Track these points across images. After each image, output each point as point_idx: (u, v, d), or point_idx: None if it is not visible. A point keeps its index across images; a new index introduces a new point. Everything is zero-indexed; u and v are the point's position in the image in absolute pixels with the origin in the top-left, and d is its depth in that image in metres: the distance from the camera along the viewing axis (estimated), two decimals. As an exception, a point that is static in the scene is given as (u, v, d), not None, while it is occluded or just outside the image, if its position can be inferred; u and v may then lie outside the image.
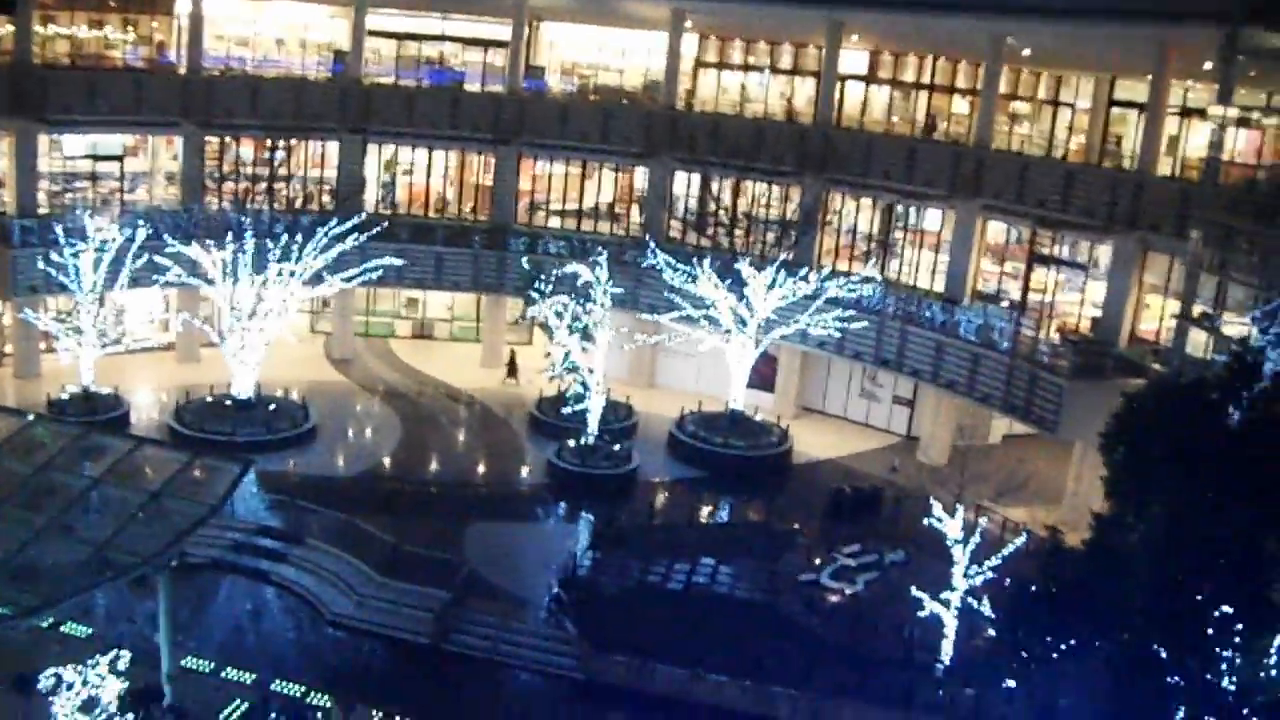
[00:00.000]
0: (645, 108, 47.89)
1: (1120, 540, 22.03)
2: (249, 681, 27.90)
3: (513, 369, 47.42)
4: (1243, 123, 37.27)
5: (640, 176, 48.15)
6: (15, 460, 27.51)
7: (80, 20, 45.28)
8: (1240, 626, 20.40)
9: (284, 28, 49.13)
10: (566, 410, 40.41)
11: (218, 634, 30.12)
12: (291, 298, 40.52)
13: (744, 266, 40.14)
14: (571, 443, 39.73)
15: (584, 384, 39.37)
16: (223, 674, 28.12)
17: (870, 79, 45.89)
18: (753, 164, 43.14)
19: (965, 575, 28.69)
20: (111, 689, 24.99)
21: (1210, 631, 20.51)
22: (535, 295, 39.86)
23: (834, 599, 33.05)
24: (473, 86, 49.18)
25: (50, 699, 24.43)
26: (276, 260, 39.39)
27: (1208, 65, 35.42)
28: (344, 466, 39.67)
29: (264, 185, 43.61)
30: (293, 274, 39.83)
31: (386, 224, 44.70)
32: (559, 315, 39.23)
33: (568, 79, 50.33)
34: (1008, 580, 27.54)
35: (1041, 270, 41.55)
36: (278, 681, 27.86)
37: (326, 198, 47.10)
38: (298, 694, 27.57)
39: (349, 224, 41.39)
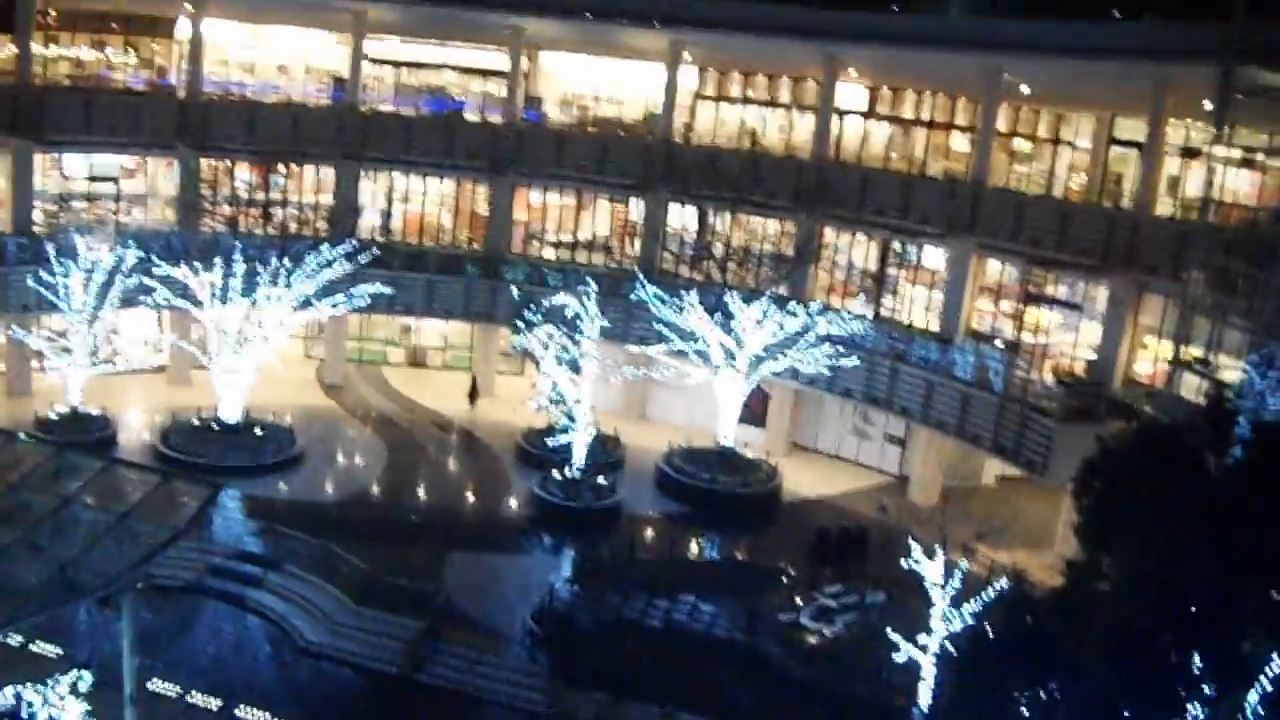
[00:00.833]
0: (642, 140, 47.76)
1: (1088, 588, 21.54)
2: (214, 707, 27.56)
3: (474, 395, 47.47)
4: (1245, 163, 36.77)
5: (636, 208, 47.94)
6: (-19, 485, 27.49)
7: (81, 41, 45.56)
8: (1208, 680, 19.91)
9: (285, 53, 49.31)
10: (551, 442, 40.15)
11: (188, 658, 29.75)
12: (280, 323, 40.36)
13: (733, 300, 39.83)
14: (556, 474, 39.40)
15: (570, 416, 39.10)
16: (188, 698, 27.78)
17: (868, 114, 45.75)
18: (747, 197, 42.84)
19: (944, 619, 28.22)
20: (73, 711, 24.87)
21: (1178, 685, 20.03)
22: (522, 325, 39.60)
23: (813, 640, 32.52)
24: (472, 116, 49.17)
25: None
26: (266, 284, 39.31)
27: (1207, 105, 35.11)
28: (327, 493, 39.53)
29: (259, 209, 43.63)
30: (281, 299, 39.72)
31: (378, 251, 44.48)
32: (545, 346, 38.99)
33: (566, 110, 50.23)
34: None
35: (1036, 310, 41.16)
36: (243, 707, 27.48)
37: (321, 223, 47.02)
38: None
39: (340, 250, 41.28)
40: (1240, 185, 36.82)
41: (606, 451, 42.34)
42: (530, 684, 29.90)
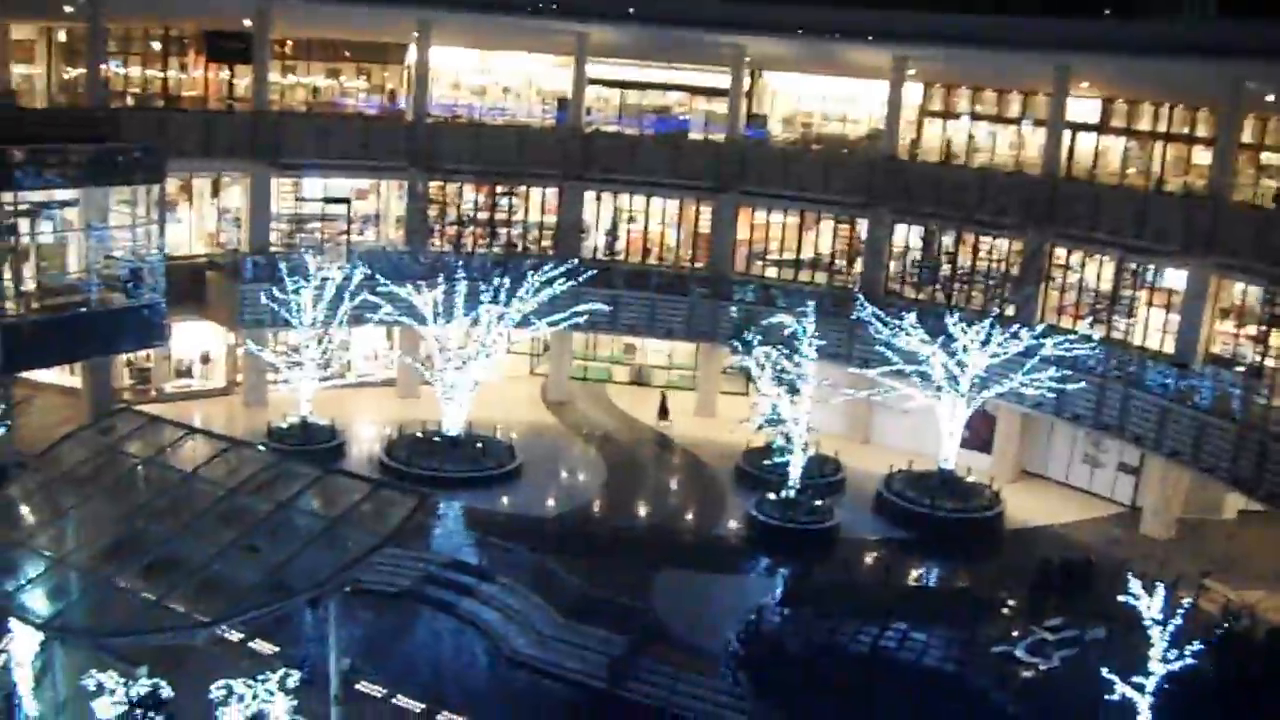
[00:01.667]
0: (865, 157, 47.00)
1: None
2: (418, 710, 28.20)
3: (664, 411, 47.42)
4: None
5: (862, 228, 47.19)
6: (210, 483, 28.95)
7: (316, 69, 47.87)
8: None
9: (511, 76, 50.69)
10: (767, 463, 39.82)
11: (397, 661, 30.53)
12: (500, 339, 41.34)
13: (953, 322, 38.72)
14: (772, 495, 38.98)
15: (787, 436, 38.68)
16: (394, 700, 28.51)
17: (1102, 128, 43.84)
18: (974, 216, 41.58)
19: (1163, 659, 26.60)
20: (280, 706, 25.91)
21: None
22: (740, 345, 39.43)
23: (1027, 674, 31.16)
24: (696, 135, 49.40)
25: (220, 709, 25.57)
26: (489, 302, 40.33)
27: None
28: (544, 506, 39.99)
29: (484, 229, 44.83)
30: (502, 316, 40.68)
31: (601, 270, 45.20)
32: (761, 366, 38.71)
33: (790, 128, 49.91)
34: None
35: (1282, 333, 38.57)
36: (445, 713, 28.04)
37: (546, 242, 48.04)
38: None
39: (561, 269, 42.05)
40: None
41: (825, 474, 41.68)
42: (731, 705, 29.46)
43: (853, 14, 43.95)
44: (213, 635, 26.43)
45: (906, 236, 46.04)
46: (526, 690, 30.21)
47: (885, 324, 40.25)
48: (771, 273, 48.60)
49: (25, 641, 26.29)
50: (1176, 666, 26.10)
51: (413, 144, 46.12)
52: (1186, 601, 26.47)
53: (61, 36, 47.80)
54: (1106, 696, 26.87)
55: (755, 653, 31.21)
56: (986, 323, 38.52)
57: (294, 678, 25.98)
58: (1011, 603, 35.14)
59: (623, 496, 41.41)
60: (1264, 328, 38.53)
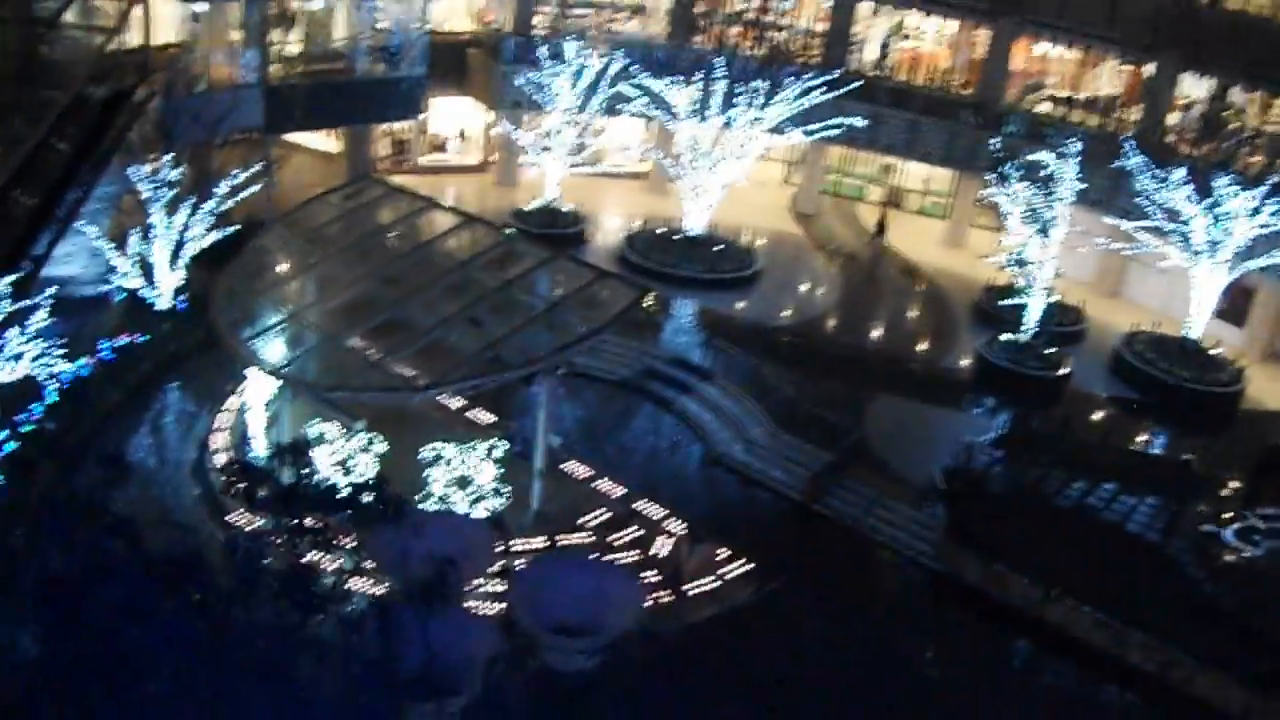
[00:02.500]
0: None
1: None
2: (616, 495, 29.17)
3: (881, 229, 46.61)
4: None
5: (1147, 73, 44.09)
6: (443, 254, 30.20)
7: None
8: None
9: None
10: (1005, 303, 38.73)
11: (606, 447, 31.71)
12: (752, 143, 40.90)
13: (1224, 184, 36.24)
14: (1005, 336, 38.03)
15: (1029, 278, 37.44)
16: (594, 483, 29.61)
17: None
18: (1267, 74, 38.41)
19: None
20: (487, 473, 27.28)
21: None
22: (997, 177, 38.00)
23: (1229, 557, 29.95)
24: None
25: (428, 470, 27.15)
26: (744, 105, 39.84)
27: None
28: (773, 315, 40.24)
29: (752, 30, 43.92)
30: (757, 120, 40.19)
31: (865, 84, 43.92)
32: (1015, 202, 37.28)
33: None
34: None
35: None
36: (645, 500, 28.94)
37: (814, 51, 46.84)
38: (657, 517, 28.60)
39: (823, 79, 41.06)
40: None
41: (1064, 322, 40.32)
42: (923, 535, 29.61)
43: None
44: (431, 399, 28.11)
45: (1193, 87, 42.92)
46: (725, 490, 31.05)
47: (1152, 177, 38.04)
48: (1044, 109, 46.25)
49: (259, 387, 28.39)
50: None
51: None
52: None
53: None
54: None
55: (957, 488, 31.01)
56: (1261, 190, 35.93)
57: (502, 449, 27.38)
58: (1230, 484, 33.64)
59: (853, 316, 41.25)
60: None
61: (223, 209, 34.12)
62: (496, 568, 24.47)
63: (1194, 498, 32.47)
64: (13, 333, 26.66)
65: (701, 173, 40.97)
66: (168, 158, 33.62)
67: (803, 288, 43.06)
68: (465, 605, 22.77)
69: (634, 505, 28.88)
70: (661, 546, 27.57)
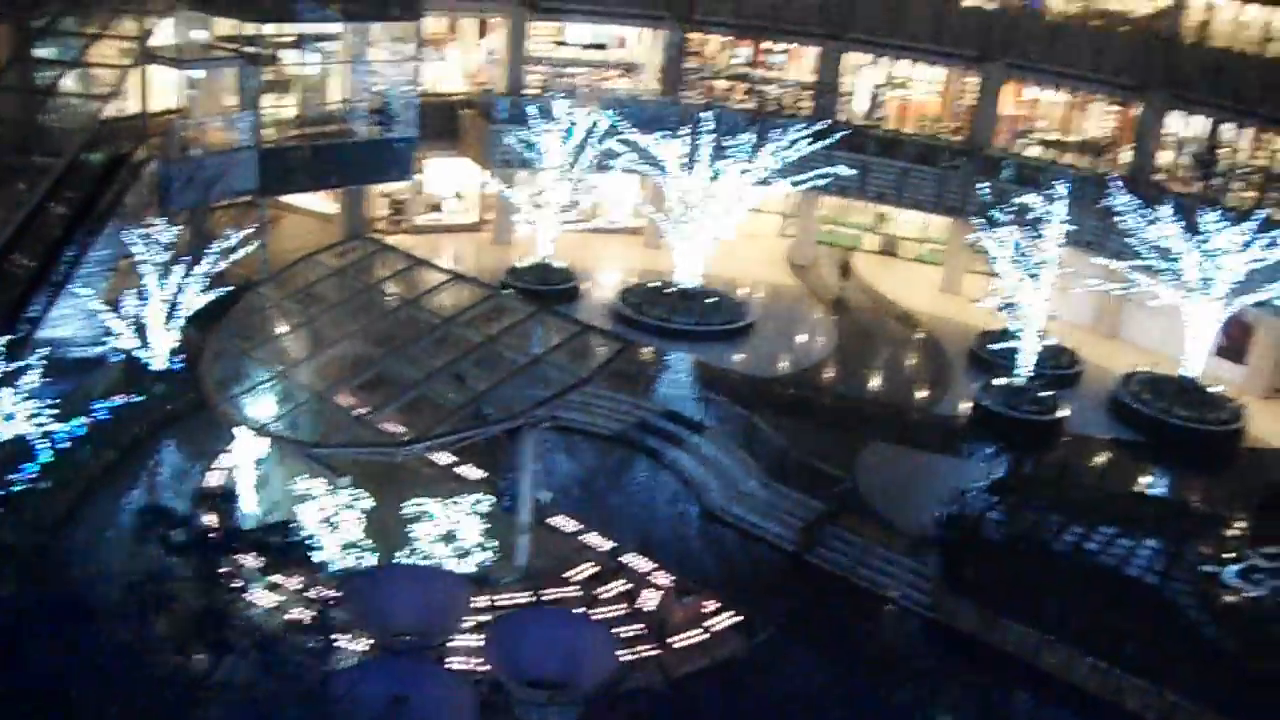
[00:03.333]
0: (1144, 37, 43.67)
1: None
2: (604, 549, 29.10)
3: (845, 272, 46.81)
4: None
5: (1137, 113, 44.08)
6: (429, 311, 30.44)
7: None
8: None
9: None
10: (996, 347, 38.66)
11: (594, 501, 31.69)
12: (741, 196, 41.10)
13: (1213, 220, 36.17)
14: (999, 381, 37.87)
15: (1021, 322, 37.36)
16: (582, 536, 29.53)
17: None
18: (1255, 110, 38.48)
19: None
20: (471, 528, 27.28)
21: None
22: (985, 221, 38.04)
23: (1230, 598, 29.61)
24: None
25: (413, 526, 27.16)
26: (732, 158, 40.08)
27: None
28: (767, 367, 40.16)
29: (740, 84, 44.35)
30: (745, 172, 40.40)
31: (853, 134, 44.17)
32: (1003, 245, 37.27)
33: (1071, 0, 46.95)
34: None
35: None
36: (632, 554, 28.84)
37: (803, 102, 47.18)
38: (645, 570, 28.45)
39: (811, 129, 41.31)
40: None
41: (1060, 365, 40.15)
42: (915, 583, 29.35)
43: None
44: (418, 455, 28.22)
45: (1183, 125, 42.98)
46: (716, 542, 30.91)
47: (1141, 215, 38.00)
48: (1034, 152, 46.39)
49: (247, 446, 28.50)
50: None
51: (674, -6, 45.95)
52: None
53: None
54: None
55: (951, 536, 30.77)
56: (1251, 224, 35.86)
57: (487, 504, 27.41)
58: (1232, 524, 33.27)
59: (848, 365, 41.07)
60: None
61: (217, 270, 34.49)
62: (471, 622, 24.37)
63: (1194, 538, 32.03)
64: (6, 392, 27.04)
65: (692, 226, 41.07)
66: (162, 220, 34.11)
67: (797, 338, 42.98)
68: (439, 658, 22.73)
69: (622, 559, 28.78)
70: (648, 600, 27.43)
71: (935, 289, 47.30)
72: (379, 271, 32.30)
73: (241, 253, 35.40)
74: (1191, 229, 36.79)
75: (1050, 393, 37.72)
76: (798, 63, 48.44)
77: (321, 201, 46.79)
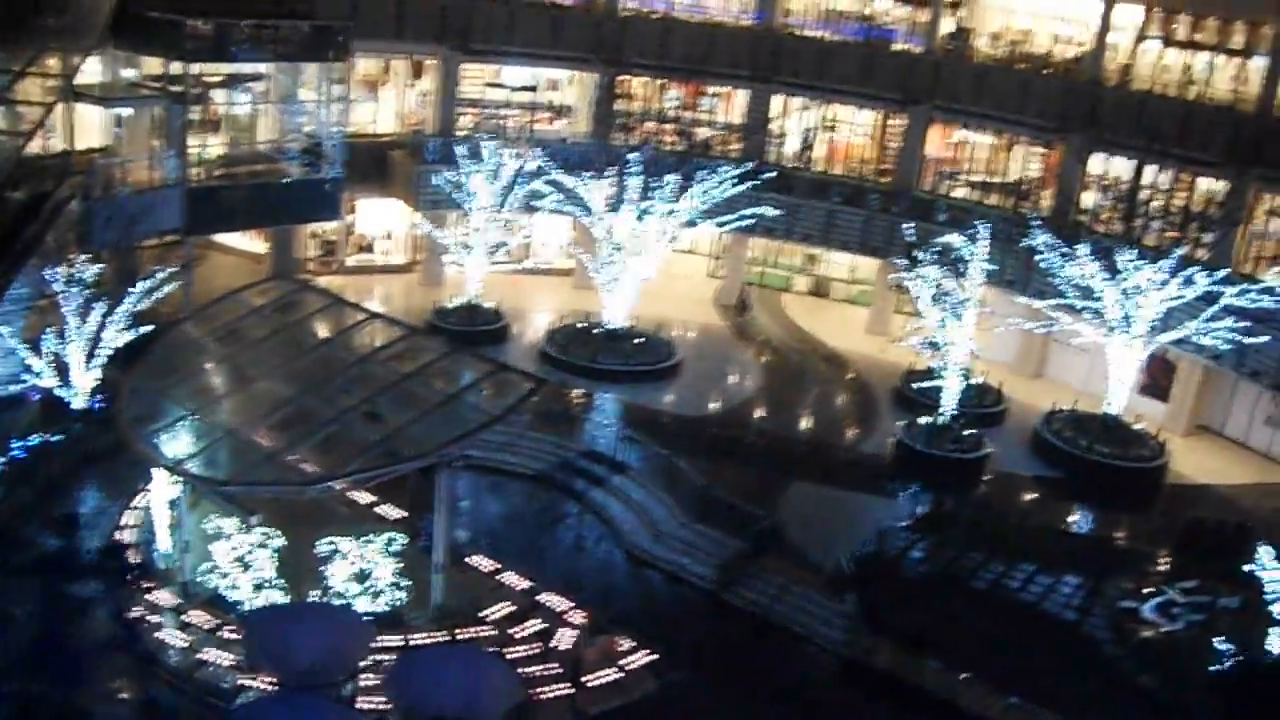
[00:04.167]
0: (1067, 80, 44.36)
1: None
2: (521, 588, 28.84)
3: (743, 306, 47.33)
4: None
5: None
6: (343, 350, 30.36)
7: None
8: None
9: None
10: (919, 386, 38.96)
11: (513, 540, 31.48)
12: (666, 237, 41.37)
13: (1129, 259, 36.70)
14: (922, 420, 38.13)
15: (943, 361, 37.65)
16: (499, 575, 29.25)
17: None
18: (1172, 151, 39.13)
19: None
20: (384, 567, 27.14)
21: None
22: (905, 261, 38.40)
23: (1146, 633, 29.90)
24: (900, 46, 47.72)
25: (326, 565, 26.95)
26: (657, 199, 40.33)
27: None
28: (692, 406, 40.20)
29: (670, 126, 44.67)
30: (670, 213, 40.63)
31: (780, 175, 44.60)
32: (924, 285, 37.60)
33: (997, 44, 47.55)
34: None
35: None
36: (549, 594, 28.63)
37: (733, 145, 47.61)
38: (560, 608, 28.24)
39: (737, 171, 41.67)
40: None
41: (984, 404, 40.49)
42: (832, 621, 29.32)
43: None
44: (335, 494, 28.07)
45: (1105, 166, 43.57)
46: (634, 581, 30.84)
47: (1060, 254, 38.48)
48: (960, 193, 46.87)
49: (163, 484, 28.24)
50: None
51: (601, 36, 46.16)
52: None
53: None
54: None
55: (868, 574, 30.85)
56: (1166, 263, 36.38)
57: (400, 542, 27.26)
58: (1152, 559, 33.64)
59: (773, 405, 41.22)
60: None
61: (139, 309, 34.37)
62: (375, 660, 24.21)
63: (1114, 574, 32.36)
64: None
65: (617, 267, 41.25)
66: (84, 258, 33.91)
67: (724, 378, 43.08)
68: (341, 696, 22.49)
69: (539, 597, 28.55)
70: (563, 638, 27.27)
71: (862, 330, 47.63)
72: (298, 310, 32.12)
73: (165, 291, 35.27)
74: (1111, 268, 37.25)
75: (973, 431, 37.99)
76: (730, 105, 48.78)
77: (251, 241, 46.66)
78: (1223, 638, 28.14)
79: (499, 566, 29.63)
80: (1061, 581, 31.66)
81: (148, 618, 26.48)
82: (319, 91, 41.31)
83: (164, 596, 27.15)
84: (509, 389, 29.14)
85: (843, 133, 48.70)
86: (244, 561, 27.13)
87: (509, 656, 26.09)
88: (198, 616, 26.44)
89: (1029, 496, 37.10)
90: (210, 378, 30.00)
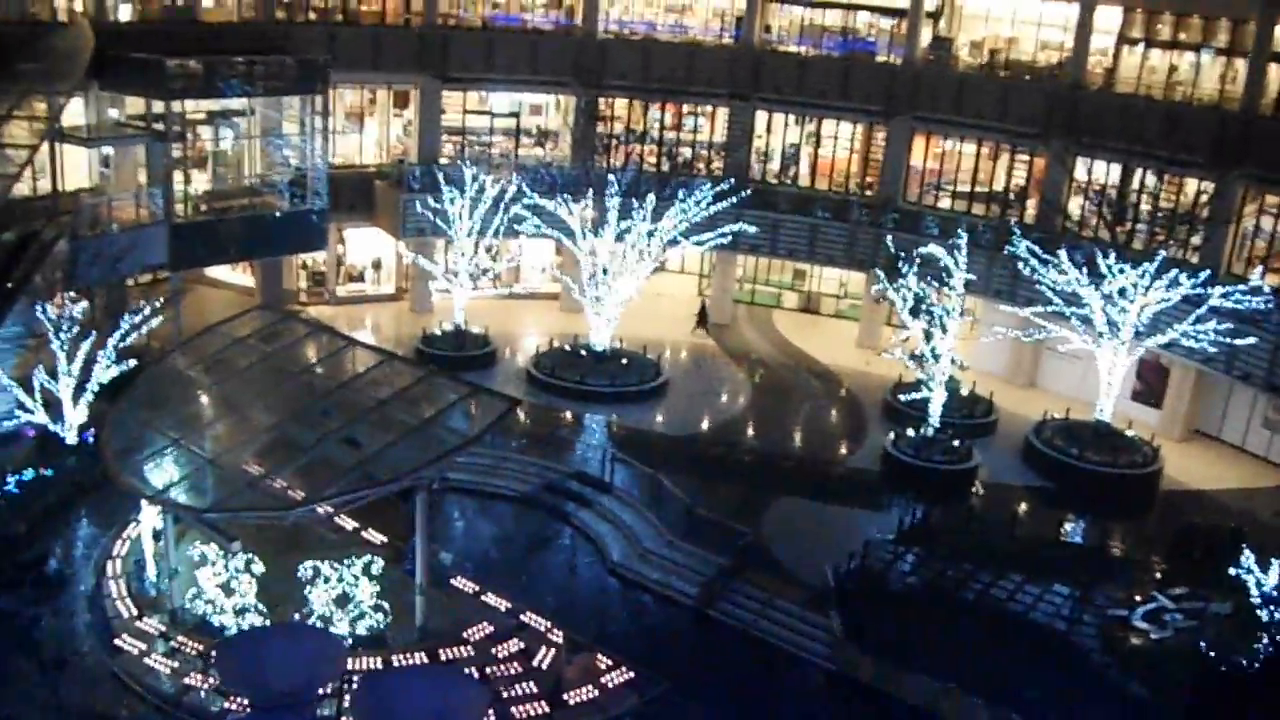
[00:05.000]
0: (1046, 85, 44.24)
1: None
2: (504, 609, 28.77)
3: (702, 319, 47.34)
4: None
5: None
6: (323, 377, 30.61)
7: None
8: None
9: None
10: (906, 398, 38.85)
11: (498, 561, 31.66)
12: (649, 256, 41.46)
13: (1111, 263, 36.54)
14: (911, 432, 38.01)
15: (928, 372, 37.54)
16: (483, 597, 29.23)
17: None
18: (1156, 152, 38.98)
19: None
20: (365, 590, 27.16)
21: None
22: (884, 274, 38.37)
23: (1136, 641, 29.69)
24: (881, 58, 47.78)
25: (308, 588, 27.02)
26: (638, 219, 40.45)
27: None
28: (679, 425, 40.17)
29: (652, 146, 44.80)
30: (652, 233, 40.71)
31: (762, 192, 44.79)
32: (906, 296, 37.52)
33: (977, 53, 47.54)
34: None
35: None
36: (530, 614, 28.51)
37: (715, 163, 47.76)
38: (542, 628, 28.17)
39: (718, 189, 41.80)
40: None
41: (974, 415, 40.37)
42: (816, 635, 29.18)
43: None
44: (320, 519, 28.25)
45: (1090, 171, 43.40)
46: (618, 600, 30.84)
47: (1041, 260, 38.37)
48: (944, 204, 46.78)
49: (150, 514, 28.46)
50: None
51: (580, 59, 46.39)
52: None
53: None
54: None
55: (852, 587, 30.71)
56: (1150, 266, 36.21)
57: (378, 564, 27.28)
58: (1143, 566, 33.43)
59: (761, 421, 41.15)
60: None
61: (127, 343, 34.77)
62: (340, 680, 24.26)
63: (1103, 582, 32.13)
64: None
65: (601, 288, 41.34)
66: (71, 295, 34.27)
67: (711, 396, 42.91)
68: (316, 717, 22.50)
69: (521, 618, 28.51)
70: (544, 657, 27.24)
71: (852, 344, 47.56)
72: (279, 340, 32.35)
73: (153, 325, 35.69)
74: (1096, 273, 37.12)
75: (961, 442, 37.85)
76: (714, 123, 48.88)
77: (240, 274, 46.93)
78: (1206, 644, 27.95)
79: (481, 588, 29.57)
80: (1050, 591, 31.43)
81: (135, 644, 26.70)
82: (301, 124, 41.61)
83: (151, 623, 27.41)
84: (487, 411, 29.31)
85: (826, 147, 48.70)
86: (227, 587, 27.22)
87: (490, 676, 26.17)
88: (185, 642, 26.61)
89: (1019, 506, 36.84)
90: (193, 408, 30.33)
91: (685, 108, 48.59)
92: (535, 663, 27.06)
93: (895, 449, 37.72)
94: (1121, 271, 36.47)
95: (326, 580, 27.15)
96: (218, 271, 46.63)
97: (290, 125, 41.98)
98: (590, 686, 26.51)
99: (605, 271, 41.23)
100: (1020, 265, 38.97)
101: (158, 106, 39.03)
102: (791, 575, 31.59)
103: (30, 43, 36.48)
